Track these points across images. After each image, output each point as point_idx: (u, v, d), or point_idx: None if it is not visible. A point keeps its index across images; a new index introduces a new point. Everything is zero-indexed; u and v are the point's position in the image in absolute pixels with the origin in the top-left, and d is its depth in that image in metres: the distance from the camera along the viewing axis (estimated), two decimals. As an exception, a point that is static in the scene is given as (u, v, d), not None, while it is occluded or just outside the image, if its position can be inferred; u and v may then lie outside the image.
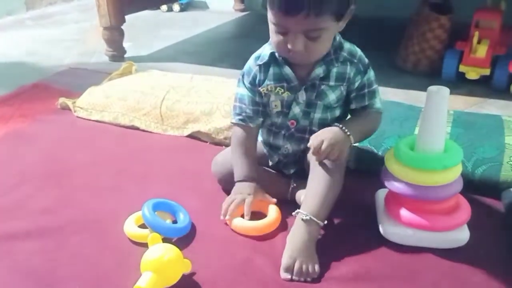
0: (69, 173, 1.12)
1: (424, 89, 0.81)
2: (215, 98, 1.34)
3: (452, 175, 0.82)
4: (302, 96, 0.92)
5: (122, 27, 1.98)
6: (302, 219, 0.83)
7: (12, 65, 2.01)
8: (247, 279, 0.79)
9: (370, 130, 0.95)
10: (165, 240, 0.83)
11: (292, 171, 1.00)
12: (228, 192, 1.00)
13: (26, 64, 2.01)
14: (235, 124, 0.98)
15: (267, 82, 0.92)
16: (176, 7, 3.01)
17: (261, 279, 0.79)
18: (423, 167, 0.81)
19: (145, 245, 0.82)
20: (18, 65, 2.00)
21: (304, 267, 0.78)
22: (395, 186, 0.85)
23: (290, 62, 0.90)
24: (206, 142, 1.27)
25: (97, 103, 1.43)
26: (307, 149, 0.92)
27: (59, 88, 1.65)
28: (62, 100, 1.49)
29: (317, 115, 0.93)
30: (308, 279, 0.78)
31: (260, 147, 1.02)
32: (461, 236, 0.84)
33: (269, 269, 0.80)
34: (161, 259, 0.76)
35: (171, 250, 0.78)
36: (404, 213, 0.85)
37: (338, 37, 0.90)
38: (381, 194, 0.95)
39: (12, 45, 2.32)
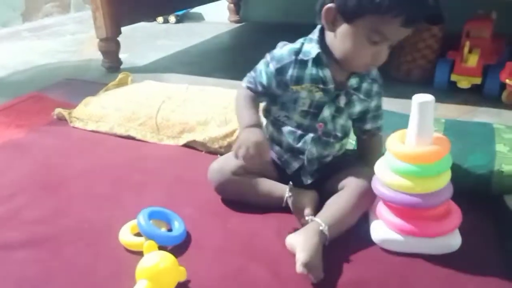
0: (65, 183, 1.13)
1: (416, 98, 0.82)
2: (210, 108, 1.35)
3: (441, 182, 0.83)
4: (342, 100, 0.94)
5: (118, 38, 1.99)
6: (321, 230, 0.84)
7: (8, 76, 2.01)
8: (242, 287, 0.79)
9: None
10: (160, 248, 0.84)
11: (309, 181, 0.99)
12: (225, 201, 1.01)
13: (23, 75, 2.02)
14: (244, 87, 0.97)
15: (304, 80, 0.91)
16: (172, 18, 3.03)
17: (256, 287, 0.79)
18: (411, 174, 0.82)
19: (140, 254, 0.82)
20: (14, 76, 2.01)
21: (319, 269, 0.79)
22: (385, 193, 0.86)
23: (330, 65, 0.90)
24: (201, 151, 1.28)
25: (93, 113, 1.44)
26: (336, 160, 0.98)
27: (56, 99, 1.65)
28: (58, 110, 1.50)
29: (341, 121, 0.97)
30: (315, 281, 0.78)
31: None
32: (453, 241, 0.85)
33: (264, 277, 0.81)
34: (157, 267, 0.76)
35: (167, 258, 0.78)
36: (395, 220, 0.86)
37: None
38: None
39: (9, 56, 2.33)
